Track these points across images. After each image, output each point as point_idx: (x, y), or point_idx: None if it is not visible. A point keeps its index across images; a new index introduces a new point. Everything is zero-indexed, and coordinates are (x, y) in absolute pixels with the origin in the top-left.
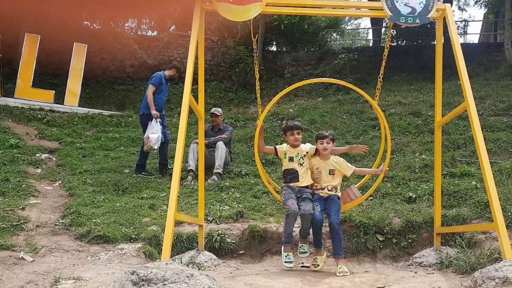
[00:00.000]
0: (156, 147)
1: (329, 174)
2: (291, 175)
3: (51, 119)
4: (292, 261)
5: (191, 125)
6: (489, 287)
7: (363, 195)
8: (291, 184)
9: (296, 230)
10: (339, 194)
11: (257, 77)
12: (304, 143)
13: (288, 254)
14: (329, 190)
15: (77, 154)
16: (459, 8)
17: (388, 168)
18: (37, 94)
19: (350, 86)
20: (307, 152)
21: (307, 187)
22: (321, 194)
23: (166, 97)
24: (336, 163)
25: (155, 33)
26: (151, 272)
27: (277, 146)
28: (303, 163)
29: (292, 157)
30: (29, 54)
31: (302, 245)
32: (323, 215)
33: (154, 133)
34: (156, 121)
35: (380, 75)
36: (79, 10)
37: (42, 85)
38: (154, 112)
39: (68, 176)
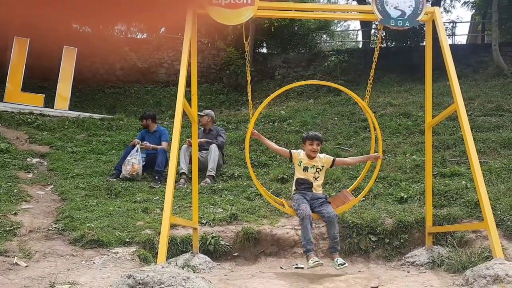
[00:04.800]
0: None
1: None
2: (305, 185)
3: (41, 123)
4: (319, 260)
5: (182, 128)
6: (480, 285)
7: (355, 197)
8: (304, 192)
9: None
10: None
11: (249, 79)
12: (321, 153)
13: (314, 259)
14: None
15: (69, 158)
16: (445, 9)
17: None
18: (27, 98)
19: (340, 87)
20: (323, 166)
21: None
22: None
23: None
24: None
25: (145, 35)
26: (148, 275)
27: (292, 151)
28: (318, 177)
29: (307, 167)
30: (19, 57)
31: (337, 259)
32: None
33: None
34: (133, 150)
35: (370, 77)
36: (68, 15)
37: (32, 89)
38: (135, 140)
39: (60, 181)
